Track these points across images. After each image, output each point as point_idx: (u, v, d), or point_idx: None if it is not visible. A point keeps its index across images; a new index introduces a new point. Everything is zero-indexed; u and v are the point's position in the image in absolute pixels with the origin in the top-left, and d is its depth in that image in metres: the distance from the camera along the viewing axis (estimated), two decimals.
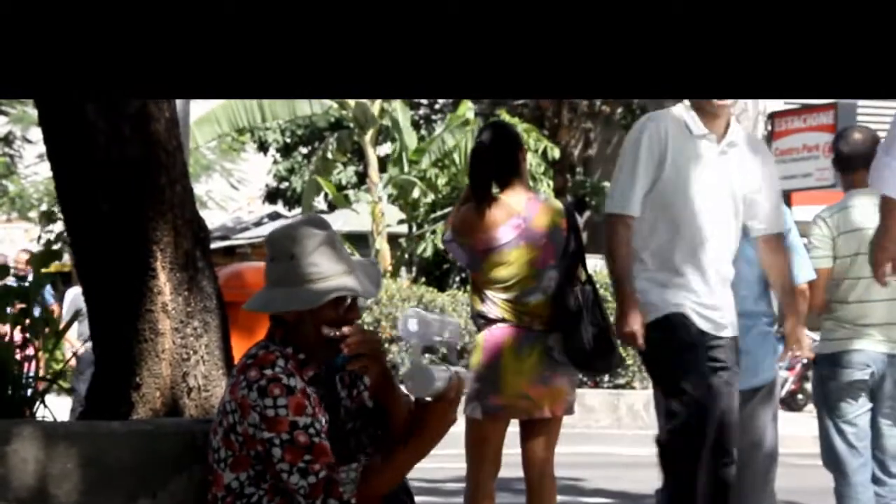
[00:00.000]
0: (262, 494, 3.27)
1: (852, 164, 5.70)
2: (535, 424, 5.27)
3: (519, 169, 5.33)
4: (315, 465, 3.20)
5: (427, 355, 3.33)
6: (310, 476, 3.19)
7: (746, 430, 5.07)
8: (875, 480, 5.59)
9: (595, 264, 19.72)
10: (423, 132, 24.02)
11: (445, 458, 8.23)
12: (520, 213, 5.22)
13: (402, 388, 3.36)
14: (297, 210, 24.84)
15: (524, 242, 5.20)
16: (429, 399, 3.29)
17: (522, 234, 5.20)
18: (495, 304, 5.20)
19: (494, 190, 5.28)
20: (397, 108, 19.52)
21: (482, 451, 5.25)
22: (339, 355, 3.33)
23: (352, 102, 19.17)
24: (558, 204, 5.36)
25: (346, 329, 3.32)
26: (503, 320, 5.18)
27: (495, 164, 5.30)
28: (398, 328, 3.36)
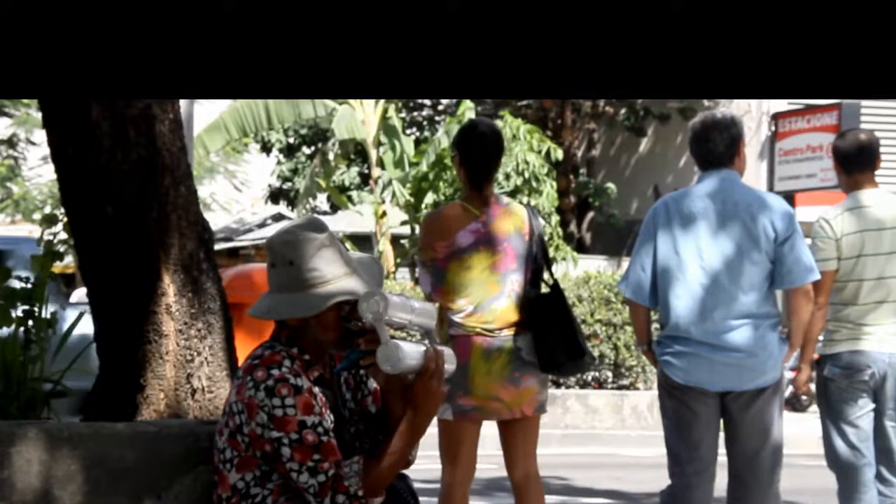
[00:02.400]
0: (268, 494, 3.27)
1: (853, 165, 5.70)
2: (511, 425, 5.24)
3: (493, 175, 5.29)
4: (324, 463, 3.20)
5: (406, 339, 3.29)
6: (319, 475, 3.20)
7: (752, 430, 5.07)
8: (881, 480, 5.59)
9: (598, 265, 19.71)
10: (426, 133, 23.99)
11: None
12: (479, 218, 5.20)
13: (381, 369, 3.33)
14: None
15: (483, 247, 5.17)
16: (410, 377, 3.30)
17: (481, 238, 5.17)
18: (459, 325, 5.16)
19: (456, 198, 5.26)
20: (392, 114, 19.55)
21: (454, 452, 5.22)
22: (353, 350, 3.32)
23: (353, 111, 19.16)
24: (521, 208, 5.30)
25: (368, 324, 3.32)
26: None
27: (475, 166, 5.24)
28: (359, 310, 3.30)
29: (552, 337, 5.11)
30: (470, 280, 5.17)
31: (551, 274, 5.28)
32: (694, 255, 5.02)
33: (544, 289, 5.25)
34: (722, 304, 4.98)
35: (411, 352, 3.25)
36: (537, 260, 5.22)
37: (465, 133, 5.33)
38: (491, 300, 5.15)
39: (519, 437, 5.25)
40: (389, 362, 3.22)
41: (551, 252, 17.81)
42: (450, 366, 3.37)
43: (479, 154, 5.23)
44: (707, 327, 4.98)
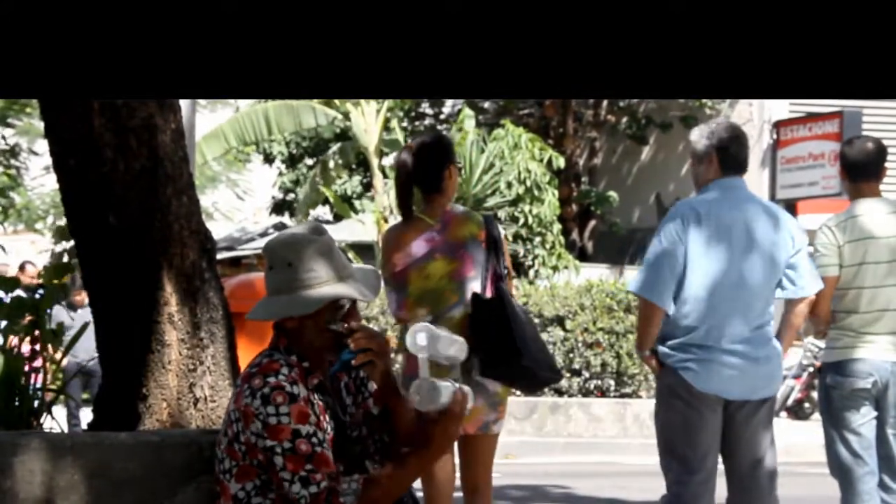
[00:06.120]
0: None
1: (859, 173, 5.70)
2: (462, 439, 5.18)
3: (440, 185, 5.22)
4: (316, 474, 3.19)
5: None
6: (311, 486, 3.19)
7: (755, 438, 5.07)
8: (884, 488, 5.59)
9: (600, 274, 19.74)
10: None
11: None
12: (433, 227, 5.16)
13: (410, 401, 3.35)
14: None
15: (440, 255, 5.13)
16: (433, 414, 3.29)
17: (437, 246, 5.14)
18: None
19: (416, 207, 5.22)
20: (394, 124, 19.56)
21: None
22: (344, 351, 3.33)
23: (354, 117, 19.17)
24: (477, 216, 5.26)
25: (353, 324, 3.32)
26: None
27: (416, 180, 5.21)
28: (406, 342, 3.35)
29: (487, 338, 4.98)
30: (428, 289, 5.13)
31: (503, 279, 5.16)
32: (722, 263, 4.98)
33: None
34: (742, 312, 4.98)
35: (445, 392, 3.25)
36: (497, 268, 5.12)
37: (408, 149, 5.32)
38: (448, 309, 5.08)
39: (466, 452, 5.22)
40: (423, 401, 3.23)
41: (553, 261, 17.82)
42: (469, 404, 3.37)
43: (402, 174, 5.21)
44: (730, 335, 4.97)
